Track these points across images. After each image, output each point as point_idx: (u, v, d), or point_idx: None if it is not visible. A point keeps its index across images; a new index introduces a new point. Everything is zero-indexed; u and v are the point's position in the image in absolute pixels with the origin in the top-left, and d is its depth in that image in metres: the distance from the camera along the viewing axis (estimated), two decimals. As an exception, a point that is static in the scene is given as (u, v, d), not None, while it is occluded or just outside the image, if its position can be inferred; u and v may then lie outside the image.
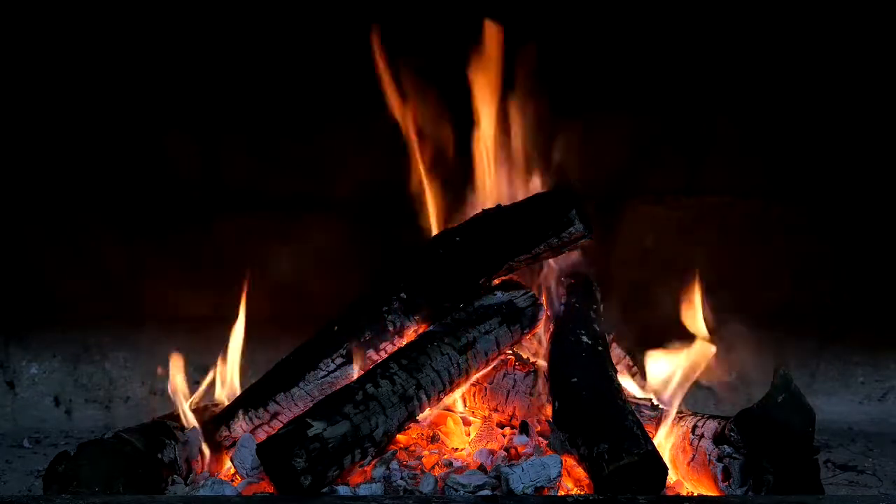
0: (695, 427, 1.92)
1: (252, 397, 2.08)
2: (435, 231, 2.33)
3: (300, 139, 2.85)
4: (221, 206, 2.88)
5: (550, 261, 2.27)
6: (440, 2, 2.68)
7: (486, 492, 1.77)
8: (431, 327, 2.06)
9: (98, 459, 1.78)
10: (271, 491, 1.80)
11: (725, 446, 1.80)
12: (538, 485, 1.76)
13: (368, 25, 2.52)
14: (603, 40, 2.76)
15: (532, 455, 1.92)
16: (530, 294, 2.13)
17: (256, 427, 2.04)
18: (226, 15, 2.74)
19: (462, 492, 1.77)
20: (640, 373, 2.26)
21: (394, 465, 1.87)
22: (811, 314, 2.93)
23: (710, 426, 1.88)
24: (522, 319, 2.09)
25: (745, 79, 2.83)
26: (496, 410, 2.15)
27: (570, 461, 1.85)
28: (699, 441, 1.88)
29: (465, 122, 2.40)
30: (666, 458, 1.86)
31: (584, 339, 2.07)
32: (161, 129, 2.82)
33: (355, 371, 2.04)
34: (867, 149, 2.87)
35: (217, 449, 2.04)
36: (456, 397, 2.17)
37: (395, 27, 2.60)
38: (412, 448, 2.00)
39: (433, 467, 1.92)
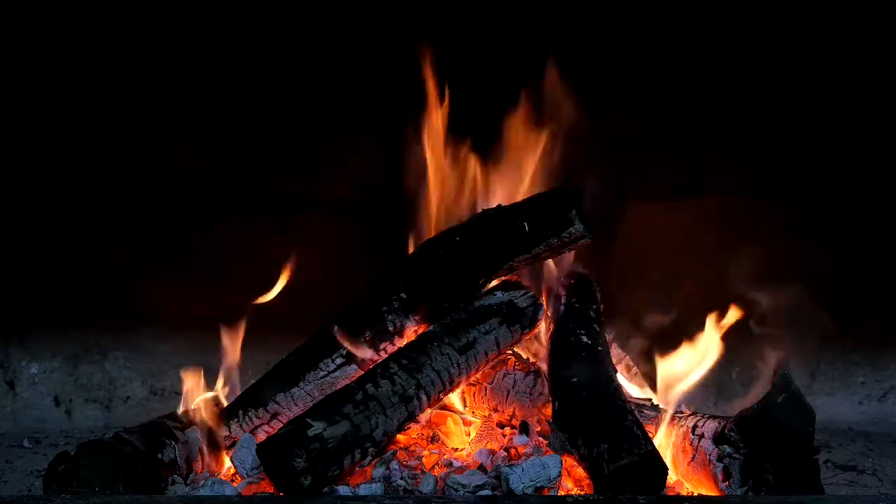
0: (695, 427, 1.92)
1: (252, 397, 2.09)
2: (434, 231, 2.33)
3: (300, 139, 2.85)
4: (222, 207, 2.88)
5: (550, 261, 2.26)
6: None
7: (486, 492, 1.77)
8: (431, 327, 2.06)
9: (98, 459, 1.78)
10: (271, 491, 1.79)
11: (725, 446, 1.80)
12: (538, 485, 1.76)
13: (367, 26, 2.52)
14: (604, 42, 2.77)
15: (532, 455, 1.91)
16: (530, 294, 2.13)
17: (256, 427, 2.04)
18: (226, 18, 2.75)
19: (462, 492, 1.77)
20: (640, 373, 2.27)
21: (394, 465, 1.87)
22: (811, 314, 2.93)
23: (710, 426, 1.88)
24: (522, 319, 2.09)
25: (745, 79, 2.83)
26: (496, 410, 2.15)
27: (570, 461, 1.85)
28: (699, 441, 1.88)
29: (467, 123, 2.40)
30: (666, 458, 1.86)
31: (584, 339, 2.07)
32: (161, 130, 2.83)
33: (355, 371, 2.04)
34: (867, 149, 2.88)
35: (217, 449, 2.04)
36: (456, 397, 2.17)
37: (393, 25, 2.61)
38: (412, 448, 2.00)
39: (433, 467, 1.92)
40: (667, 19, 2.78)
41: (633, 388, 2.22)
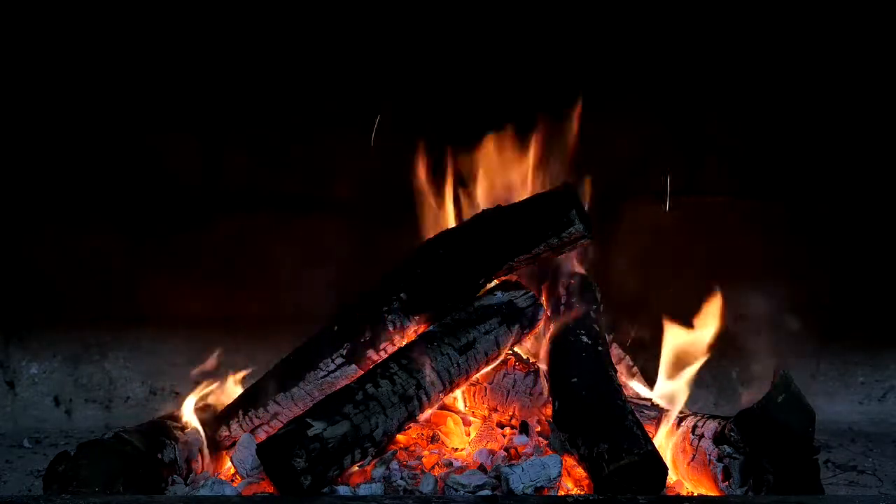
0: (695, 427, 1.92)
1: (252, 397, 2.08)
2: (433, 232, 2.33)
3: (300, 139, 2.85)
4: (222, 206, 2.88)
5: (551, 260, 2.26)
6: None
7: (486, 492, 1.77)
8: (431, 327, 2.06)
9: (98, 459, 1.78)
10: (271, 491, 1.80)
11: (725, 446, 1.80)
12: (538, 485, 1.76)
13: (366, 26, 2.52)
14: (604, 43, 2.77)
15: (532, 455, 1.91)
16: (530, 294, 2.13)
17: (256, 427, 2.04)
18: (226, 17, 2.75)
19: (462, 492, 1.77)
20: (639, 372, 2.27)
21: (394, 465, 1.87)
22: (811, 314, 2.93)
23: (710, 426, 1.88)
24: (522, 319, 2.09)
25: (745, 80, 2.83)
26: (496, 410, 2.15)
27: (570, 461, 1.85)
28: (699, 441, 1.88)
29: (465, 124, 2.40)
30: (666, 458, 1.86)
31: (584, 339, 2.07)
32: (161, 130, 2.83)
33: (355, 371, 2.04)
34: (866, 149, 2.88)
35: (217, 449, 2.04)
36: (456, 397, 2.17)
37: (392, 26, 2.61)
38: (412, 448, 2.00)
39: (433, 467, 1.92)
40: (669, 21, 2.78)
41: (633, 389, 2.22)
